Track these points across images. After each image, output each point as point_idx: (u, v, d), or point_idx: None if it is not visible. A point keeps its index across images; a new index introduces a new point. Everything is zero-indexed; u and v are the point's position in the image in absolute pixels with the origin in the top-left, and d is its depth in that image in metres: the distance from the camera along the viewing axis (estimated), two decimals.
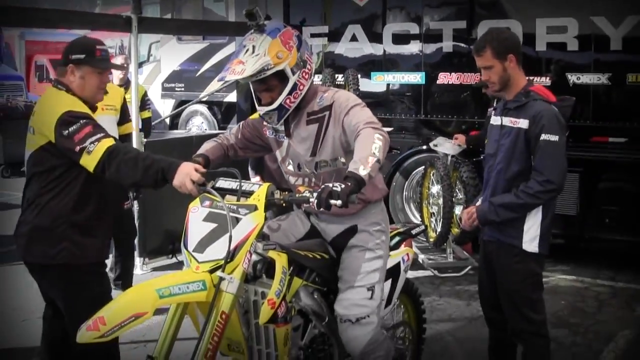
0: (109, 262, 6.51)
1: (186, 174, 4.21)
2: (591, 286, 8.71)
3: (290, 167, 4.72)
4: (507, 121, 5.13)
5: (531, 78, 5.48)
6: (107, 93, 6.82)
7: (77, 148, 4.38)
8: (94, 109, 4.87)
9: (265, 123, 4.72)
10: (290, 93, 4.42)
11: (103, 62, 4.83)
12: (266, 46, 4.32)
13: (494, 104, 5.83)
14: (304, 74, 4.47)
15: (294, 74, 4.41)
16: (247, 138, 4.85)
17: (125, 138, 7.93)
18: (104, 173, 4.39)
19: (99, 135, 4.46)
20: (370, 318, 4.61)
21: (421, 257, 9.42)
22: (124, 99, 7.80)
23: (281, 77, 4.39)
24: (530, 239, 5.08)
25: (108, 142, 4.46)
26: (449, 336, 6.76)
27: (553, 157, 4.92)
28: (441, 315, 7.27)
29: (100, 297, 4.59)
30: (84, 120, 4.50)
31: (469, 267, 9.13)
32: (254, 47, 4.32)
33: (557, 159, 4.92)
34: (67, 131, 4.41)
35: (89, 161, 4.38)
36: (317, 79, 4.62)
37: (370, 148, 4.06)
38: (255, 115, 4.91)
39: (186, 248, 4.06)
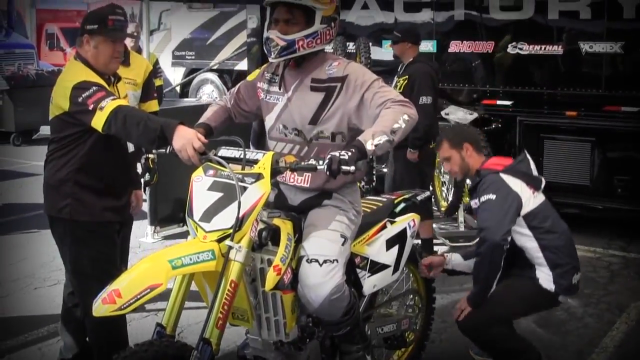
0: None
1: (188, 140, 4.18)
2: (603, 256, 8.69)
3: (280, 132, 4.55)
4: (473, 204, 5.53)
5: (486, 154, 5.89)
6: (129, 65, 6.82)
7: (92, 107, 4.48)
8: (115, 80, 4.97)
9: (264, 72, 4.66)
10: (307, 37, 4.33)
11: (115, 32, 4.86)
12: None
13: None
14: (327, 31, 4.39)
15: (321, 23, 4.34)
16: (240, 99, 4.78)
17: None
18: (111, 130, 4.45)
19: (112, 97, 4.57)
20: (338, 265, 4.33)
21: (433, 226, 9.41)
22: (149, 74, 7.48)
23: (309, 17, 4.33)
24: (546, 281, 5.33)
25: (119, 101, 4.57)
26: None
27: (488, 211, 5.23)
28: (453, 285, 7.25)
29: (104, 258, 4.78)
30: (97, 87, 4.61)
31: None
32: None
33: (493, 212, 5.20)
34: (81, 97, 4.55)
35: (100, 118, 4.46)
36: (328, 47, 4.57)
37: (389, 126, 4.03)
38: (252, 75, 4.84)
39: (191, 218, 4.04)
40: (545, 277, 5.27)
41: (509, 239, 5.20)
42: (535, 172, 5.49)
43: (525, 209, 5.24)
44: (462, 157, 5.56)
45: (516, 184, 5.28)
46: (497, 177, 5.32)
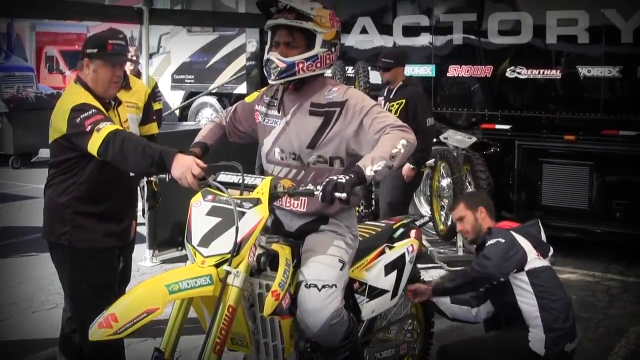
0: None
1: (187, 167, 4.20)
2: (602, 280, 8.68)
3: (277, 156, 4.55)
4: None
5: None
6: (130, 89, 6.87)
7: (89, 128, 4.49)
8: (115, 104, 5.00)
9: (263, 96, 4.68)
10: (307, 60, 4.36)
11: (114, 56, 4.88)
12: (319, 6, 4.38)
13: None
14: (327, 55, 4.42)
15: (322, 47, 4.37)
16: (236, 119, 4.78)
17: (149, 139, 7.82)
18: (107, 154, 4.45)
19: (110, 121, 4.60)
20: (337, 289, 4.34)
21: (431, 250, 9.40)
22: (149, 97, 7.53)
23: (309, 40, 4.37)
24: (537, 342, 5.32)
25: (117, 126, 4.60)
26: (459, 331, 6.74)
27: (494, 249, 5.34)
28: None
29: (102, 283, 4.79)
30: (95, 110, 4.64)
31: None
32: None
33: (498, 251, 5.31)
34: (79, 118, 4.57)
35: (96, 140, 4.47)
36: (327, 72, 4.61)
37: (388, 151, 4.05)
38: (250, 97, 4.86)
39: (190, 243, 4.05)
40: (537, 339, 5.25)
41: (502, 280, 5.27)
42: (544, 239, 5.55)
43: (529, 265, 5.28)
44: (475, 218, 5.71)
45: (524, 242, 5.34)
46: (507, 232, 5.44)
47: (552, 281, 5.39)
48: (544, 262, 5.39)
